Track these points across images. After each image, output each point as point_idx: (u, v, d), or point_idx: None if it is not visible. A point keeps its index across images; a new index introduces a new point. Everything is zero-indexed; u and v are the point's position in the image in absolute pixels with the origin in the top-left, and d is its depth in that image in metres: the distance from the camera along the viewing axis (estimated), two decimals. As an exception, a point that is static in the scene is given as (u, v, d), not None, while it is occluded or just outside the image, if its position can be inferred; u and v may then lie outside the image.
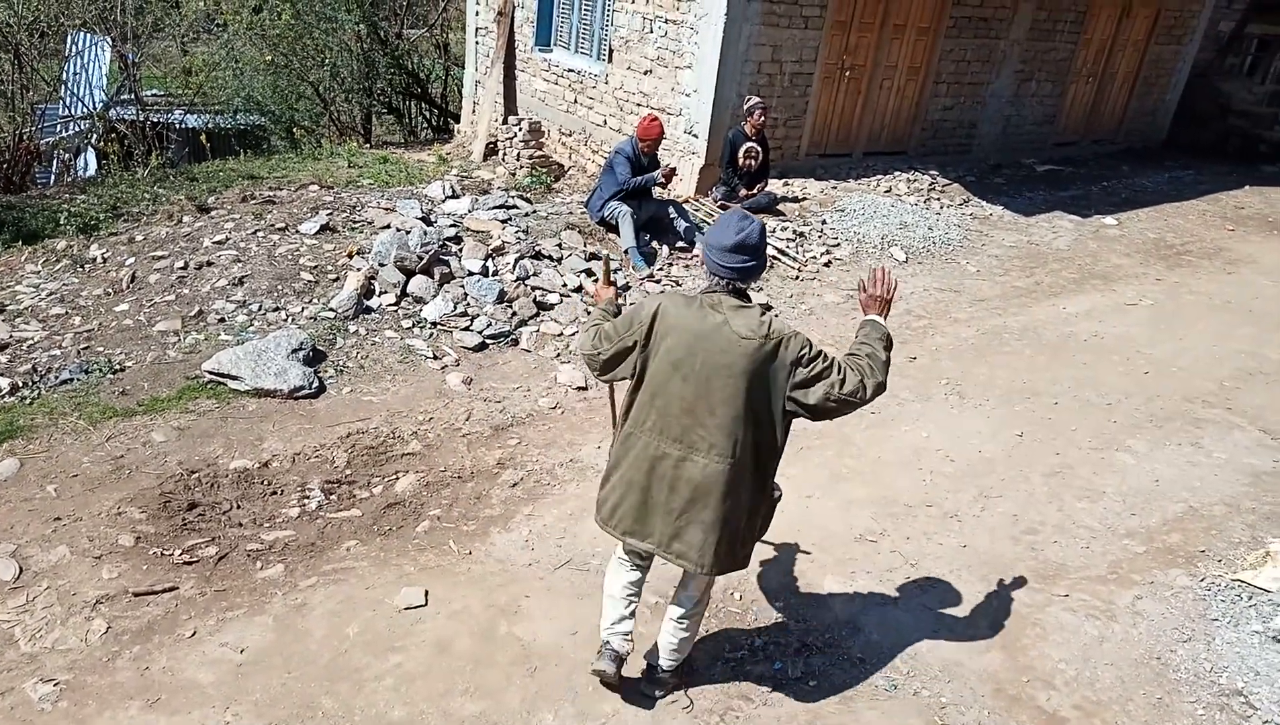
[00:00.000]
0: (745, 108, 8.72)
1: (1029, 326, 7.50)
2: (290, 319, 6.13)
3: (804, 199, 9.43)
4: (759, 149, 8.75)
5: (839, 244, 8.53)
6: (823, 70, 9.93)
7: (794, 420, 3.07)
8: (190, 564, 4.09)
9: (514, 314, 6.46)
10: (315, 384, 5.46)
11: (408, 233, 6.93)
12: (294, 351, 5.55)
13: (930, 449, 5.51)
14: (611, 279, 3.50)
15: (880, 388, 3.02)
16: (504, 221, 7.66)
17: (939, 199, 10.17)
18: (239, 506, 4.53)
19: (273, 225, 7.29)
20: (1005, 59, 11.65)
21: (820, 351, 2.99)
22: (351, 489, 4.74)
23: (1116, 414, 6.17)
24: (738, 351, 2.90)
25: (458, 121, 14.33)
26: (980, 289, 8.20)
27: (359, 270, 6.51)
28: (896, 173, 10.57)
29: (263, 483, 4.70)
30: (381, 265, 6.58)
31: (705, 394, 2.94)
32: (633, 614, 3.44)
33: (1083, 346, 7.22)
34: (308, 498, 4.63)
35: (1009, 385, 6.43)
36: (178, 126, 13.37)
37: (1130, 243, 10.10)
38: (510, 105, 12.25)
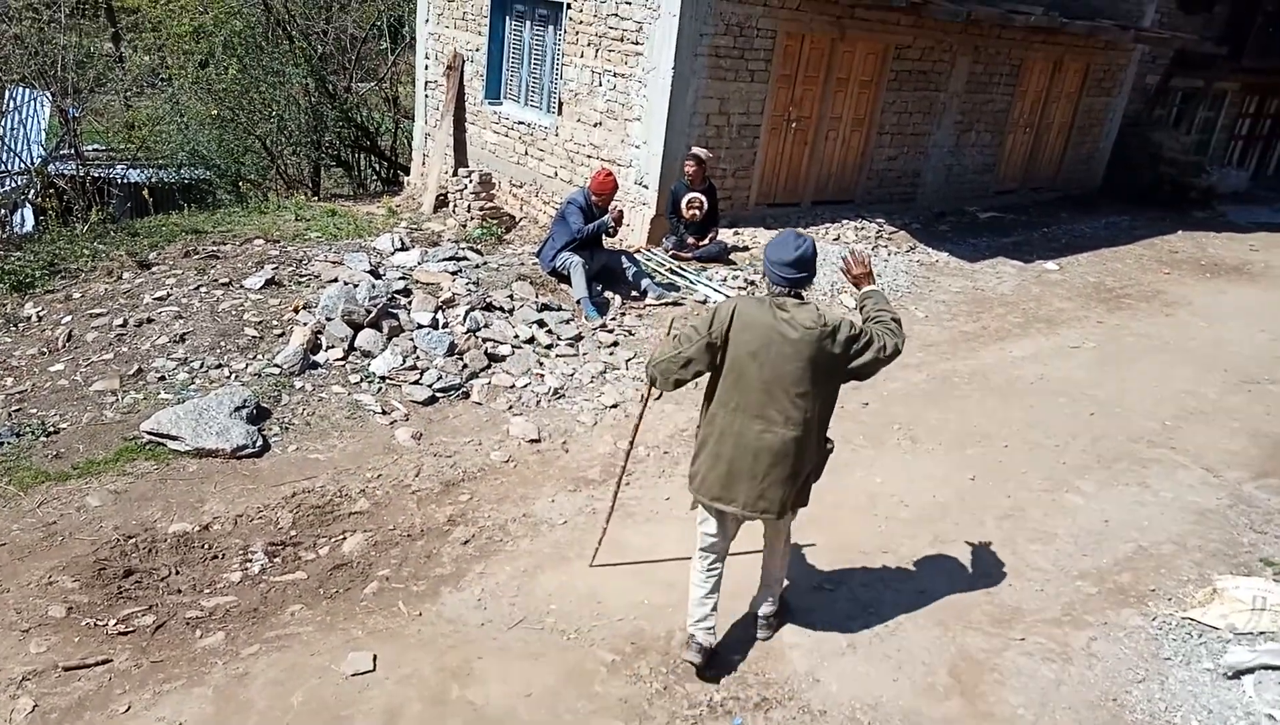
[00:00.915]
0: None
1: (977, 370, 7.61)
2: (234, 376, 5.98)
3: (753, 248, 9.53)
4: (702, 199, 8.86)
5: (789, 291, 8.61)
6: (770, 122, 10.13)
7: None
8: (125, 634, 3.91)
9: (465, 366, 6.39)
10: (259, 442, 5.31)
11: (355, 286, 6.84)
12: (237, 409, 5.41)
13: (885, 494, 5.53)
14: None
15: (902, 343, 3.77)
16: (454, 273, 7.61)
17: (886, 246, 10.37)
18: (178, 572, 4.36)
19: (216, 280, 7.16)
20: (945, 110, 12.00)
21: (861, 327, 3.70)
22: (296, 550, 4.59)
23: (1065, 455, 6.26)
24: (804, 340, 3.54)
25: (408, 174, 14.32)
26: (929, 334, 8.32)
27: (305, 325, 6.39)
28: (844, 221, 10.76)
29: (203, 546, 4.53)
30: (328, 319, 6.48)
31: (779, 377, 3.56)
32: (715, 609, 3.94)
33: (1030, 389, 7.34)
34: (250, 561, 4.47)
35: (960, 429, 6.50)
36: (119, 181, 13.13)
37: (1071, 287, 10.36)
38: (460, 157, 12.28)
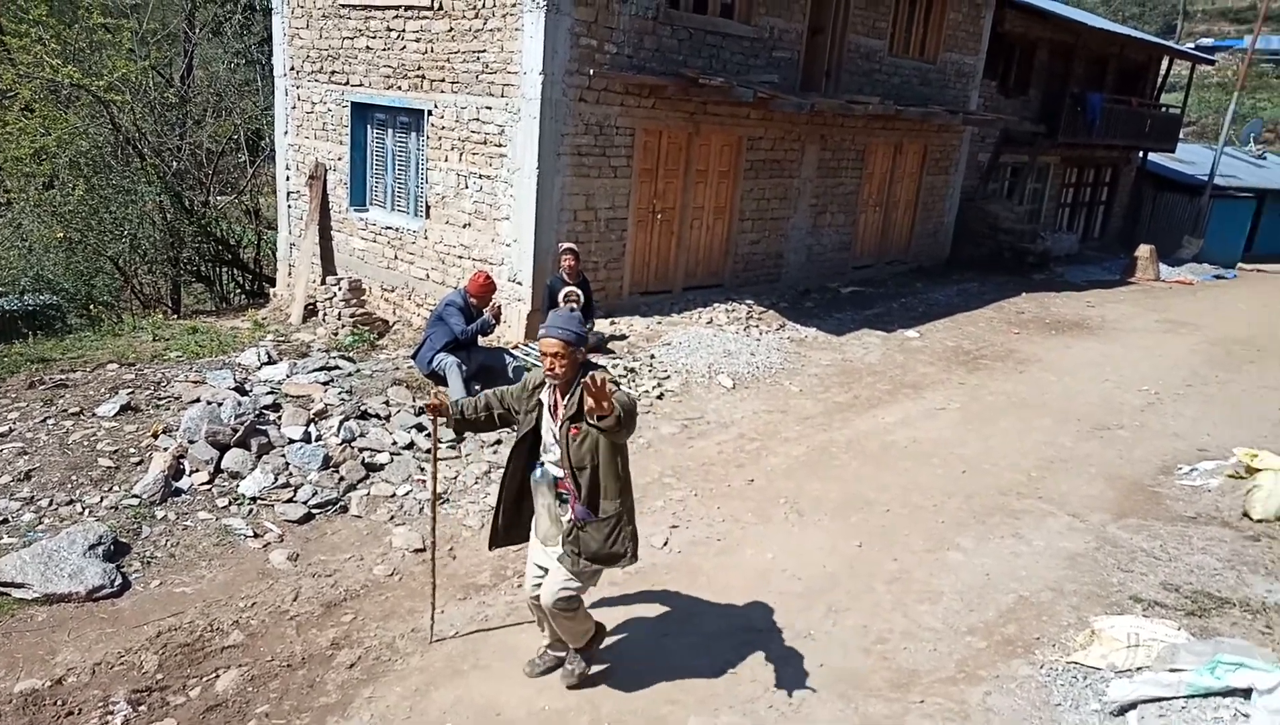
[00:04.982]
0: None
1: (853, 439, 7.85)
2: (87, 511, 5.57)
3: (630, 336, 9.68)
4: (579, 292, 8.96)
5: (669, 376, 8.75)
6: (636, 215, 10.42)
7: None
8: (-38, 815, 3.49)
9: (341, 479, 6.15)
10: (118, 581, 4.93)
11: (220, 405, 6.55)
12: (92, 547, 5.03)
13: (776, 570, 5.56)
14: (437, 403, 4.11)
15: None
16: (325, 384, 7.40)
17: (757, 326, 10.70)
18: (25, 736, 3.94)
19: (65, 410, 6.72)
20: (800, 195, 12.65)
21: None
22: (164, 695, 4.24)
23: (942, 514, 6.48)
24: None
25: (273, 285, 13.96)
26: (805, 407, 8.56)
27: (165, 450, 6.05)
28: (715, 304, 11.07)
29: (55, 703, 4.13)
30: (191, 442, 6.16)
31: None
32: None
33: (903, 453, 7.61)
34: (111, 713, 4.09)
35: (842, 498, 6.66)
36: (-47, 313, 12.27)
37: (932, 352, 10.92)
38: (328, 265, 12.08)
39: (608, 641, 4.67)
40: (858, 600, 5.28)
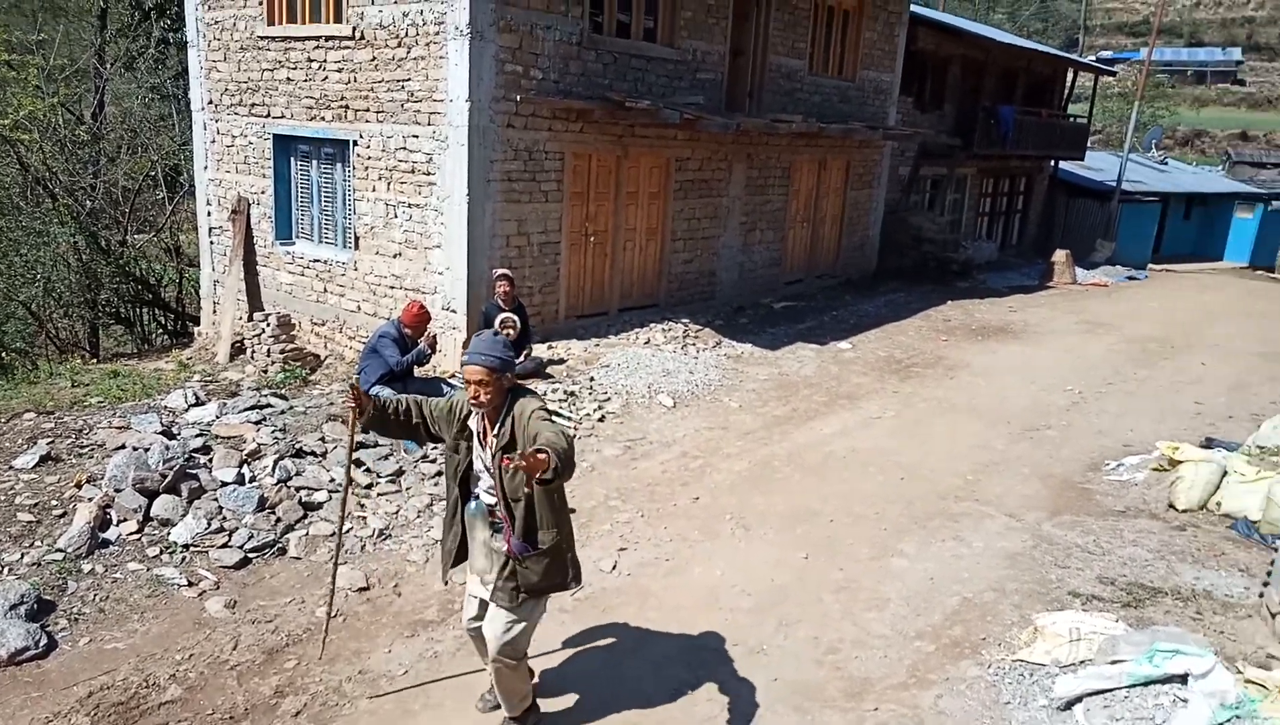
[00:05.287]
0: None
1: (794, 451, 7.94)
2: (6, 569, 5.30)
3: (569, 360, 9.65)
4: (515, 318, 8.91)
5: (609, 398, 8.74)
6: (569, 238, 10.43)
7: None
8: None
9: (278, 520, 5.98)
10: (43, 641, 4.69)
11: (147, 450, 6.31)
12: (13, 608, 4.78)
13: (726, 586, 5.57)
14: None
15: None
16: (258, 423, 7.19)
17: (694, 344, 10.77)
18: (-53, 812, 3.72)
19: (-21, 464, 6.41)
20: (730, 214, 12.82)
21: None
22: (97, 759, 4.04)
23: (884, 522, 6.59)
24: None
25: (198, 324, 13.58)
26: (745, 423, 8.63)
27: (90, 500, 5.80)
28: (652, 324, 11.12)
29: (-22, 776, 3.91)
30: (118, 490, 5.92)
31: None
32: None
33: (843, 463, 7.72)
34: (40, 781, 3.89)
35: (786, 510, 6.71)
36: None
37: (865, 363, 11.12)
38: (255, 301, 11.79)
39: (563, 672, 4.62)
40: (807, 612, 5.32)
